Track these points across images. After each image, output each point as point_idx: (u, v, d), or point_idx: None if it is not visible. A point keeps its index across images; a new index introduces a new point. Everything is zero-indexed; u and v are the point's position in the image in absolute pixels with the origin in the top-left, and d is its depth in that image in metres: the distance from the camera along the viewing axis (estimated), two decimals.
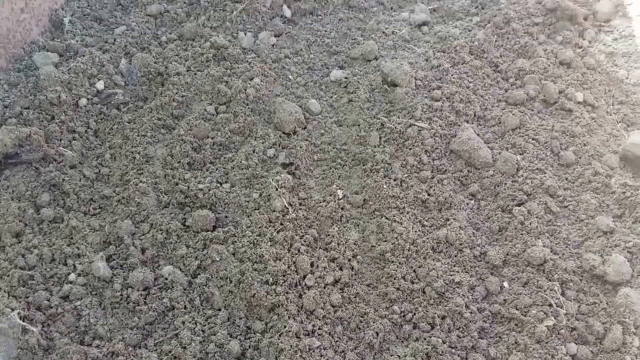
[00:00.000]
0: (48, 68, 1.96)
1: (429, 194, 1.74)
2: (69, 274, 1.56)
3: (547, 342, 1.43)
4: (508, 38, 2.17)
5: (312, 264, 1.58)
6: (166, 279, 1.55)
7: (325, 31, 2.29)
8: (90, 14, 2.31)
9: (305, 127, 1.93)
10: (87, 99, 1.95)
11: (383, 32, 2.29)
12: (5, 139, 1.71)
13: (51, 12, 2.22)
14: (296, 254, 1.58)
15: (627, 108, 1.95)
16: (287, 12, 2.34)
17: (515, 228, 1.65)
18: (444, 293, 1.53)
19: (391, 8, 2.45)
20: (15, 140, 1.73)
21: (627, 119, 1.92)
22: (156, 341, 1.45)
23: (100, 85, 2.00)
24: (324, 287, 1.54)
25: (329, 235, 1.65)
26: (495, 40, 2.16)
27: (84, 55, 2.07)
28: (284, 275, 1.53)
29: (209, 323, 1.48)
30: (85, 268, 1.55)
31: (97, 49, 2.13)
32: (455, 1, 2.45)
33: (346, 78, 2.07)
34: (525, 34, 2.17)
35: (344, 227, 1.68)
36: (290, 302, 1.49)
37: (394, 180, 1.77)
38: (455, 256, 1.61)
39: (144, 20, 2.28)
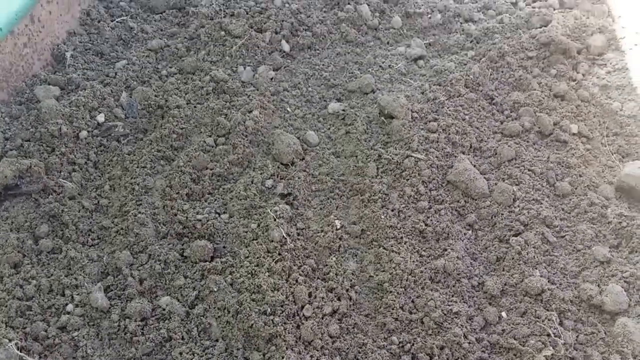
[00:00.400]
0: (49, 101, 1.97)
1: (426, 224, 1.74)
2: (66, 304, 1.55)
3: None
4: (503, 71, 2.20)
5: (310, 294, 1.57)
6: (164, 309, 1.54)
7: (323, 65, 2.31)
8: (92, 49, 2.34)
9: (303, 158, 1.95)
10: (88, 131, 1.96)
11: (380, 66, 2.31)
12: (5, 171, 1.72)
13: (53, 46, 2.25)
14: (294, 284, 1.58)
15: (621, 139, 1.97)
16: (286, 47, 2.36)
17: (513, 258, 1.65)
18: (442, 323, 1.52)
19: (387, 43, 2.47)
20: (16, 172, 1.74)
21: (621, 150, 1.94)
22: None
23: (101, 117, 2.02)
24: (322, 318, 1.53)
25: (327, 265, 1.65)
26: (490, 74, 2.19)
27: (85, 89, 2.09)
28: (281, 306, 1.53)
29: (206, 354, 1.47)
30: (83, 299, 1.55)
31: (98, 82, 2.16)
32: (451, 36, 2.48)
33: (344, 110, 2.09)
34: (520, 67, 2.19)
35: (342, 257, 1.69)
36: (288, 332, 1.48)
37: (392, 210, 1.77)
38: (453, 286, 1.61)
39: (145, 54, 2.31)
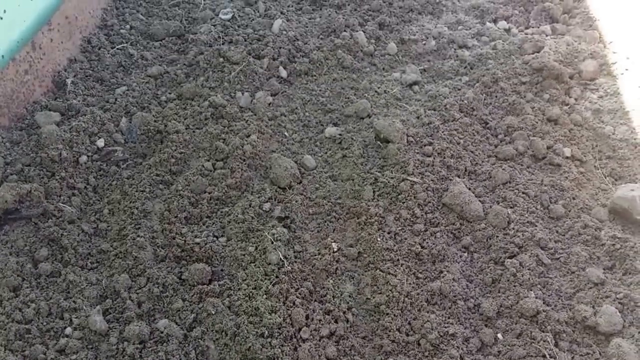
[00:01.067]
0: (50, 127, 1.99)
1: (422, 247, 1.75)
2: (65, 327, 1.55)
3: None
4: (496, 96, 2.22)
5: (307, 317, 1.58)
6: (162, 332, 1.54)
7: (320, 90, 2.33)
8: (92, 75, 2.36)
9: (300, 182, 1.96)
10: (88, 156, 1.98)
11: (375, 91, 2.33)
12: (6, 195, 1.74)
13: (54, 73, 2.27)
14: (291, 307, 1.58)
15: (614, 162, 1.98)
16: (283, 73, 2.38)
17: (508, 280, 1.65)
18: (438, 345, 1.53)
19: (383, 68, 2.49)
20: (16, 197, 1.75)
21: (614, 173, 1.95)
22: None
23: (100, 142, 2.03)
24: (320, 340, 1.53)
25: (324, 287, 1.66)
26: (484, 99, 2.21)
27: (85, 115, 2.11)
28: (279, 328, 1.53)
29: None
30: (82, 322, 1.55)
31: (99, 108, 2.18)
32: (445, 62, 2.50)
33: (340, 135, 2.11)
34: (513, 92, 2.22)
35: (339, 279, 1.69)
36: (286, 355, 1.48)
37: (388, 233, 1.78)
38: (450, 308, 1.61)
39: (145, 80, 2.33)
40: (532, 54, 2.36)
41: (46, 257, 1.70)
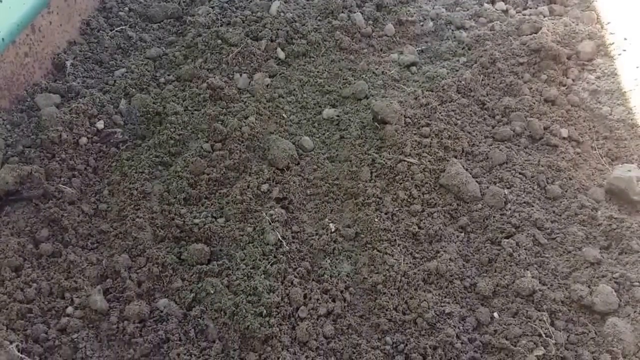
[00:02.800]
0: (50, 109, 2.00)
1: (419, 227, 1.76)
2: (66, 307, 1.56)
3: None
4: (494, 77, 2.22)
5: (305, 296, 1.59)
6: (162, 311, 1.56)
7: (318, 72, 2.33)
8: (92, 57, 2.36)
9: (298, 163, 1.96)
10: (88, 137, 1.99)
11: (373, 73, 2.33)
12: (7, 177, 1.75)
13: (54, 55, 2.28)
14: (289, 286, 1.60)
15: (611, 143, 1.99)
16: (281, 54, 2.38)
17: (504, 260, 1.67)
18: (435, 324, 1.54)
19: (381, 50, 2.48)
20: (17, 178, 1.76)
21: (611, 153, 1.96)
22: None
23: (100, 124, 2.04)
24: (317, 319, 1.55)
25: (321, 267, 1.67)
26: (482, 80, 2.21)
27: (84, 97, 2.11)
28: (277, 307, 1.54)
29: (203, 355, 1.48)
30: (83, 301, 1.56)
31: (98, 90, 2.18)
32: (443, 43, 2.49)
33: (338, 116, 2.11)
34: (511, 73, 2.22)
35: (337, 259, 1.70)
36: (284, 333, 1.50)
37: (385, 213, 1.79)
38: (446, 287, 1.63)
39: (144, 62, 2.34)
40: (530, 34, 2.36)
41: (47, 237, 1.71)
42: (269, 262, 1.64)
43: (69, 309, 1.56)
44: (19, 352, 1.42)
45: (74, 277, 1.64)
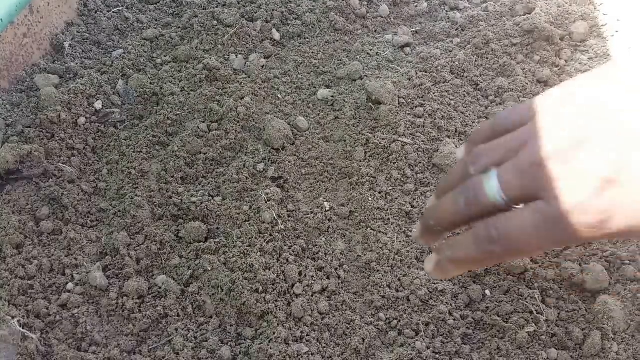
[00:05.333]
0: (49, 89, 2.00)
1: (412, 206, 1.77)
2: (67, 283, 1.58)
3: (528, 348, 1.44)
4: (487, 58, 2.22)
5: (300, 273, 1.60)
6: (160, 287, 1.57)
7: (313, 53, 2.32)
8: (90, 38, 2.37)
9: (293, 143, 1.97)
10: (86, 118, 2.00)
11: (367, 54, 2.33)
12: (7, 156, 1.76)
13: (52, 36, 2.28)
14: (285, 264, 1.61)
15: None
16: (276, 35, 2.38)
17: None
18: (428, 301, 1.55)
19: (375, 31, 2.48)
20: (17, 157, 1.77)
21: None
22: (150, 347, 1.47)
23: (98, 105, 2.05)
24: (312, 295, 1.56)
25: (316, 245, 1.68)
26: (475, 60, 2.22)
27: (83, 77, 2.12)
28: (273, 284, 1.56)
29: (201, 330, 1.50)
30: (83, 278, 1.58)
31: (96, 71, 2.19)
32: (437, 24, 2.49)
33: (332, 97, 2.11)
34: (504, 54, 2.22)
35: (331, 237, 1.71)
36: (280, 309, 1.51)
37: (379, 193, 1.80)
38: None
39: (141, 44, 2.34)
40: (524, 15, 2.36)
41: (47, 215, 1.72)
42: (265, 240, 1.65)
43: (70, 285, 1.58)
44: (20, 327, 1.43)
45: (74, 254, 1.65)
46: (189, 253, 1.66)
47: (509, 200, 0.90)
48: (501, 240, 0.89)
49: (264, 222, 1.69)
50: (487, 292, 1.60)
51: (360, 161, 1.89)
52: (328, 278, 1.61)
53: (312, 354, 1.45)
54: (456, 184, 1.00)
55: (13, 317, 1.45)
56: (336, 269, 1.63)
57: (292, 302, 1.54)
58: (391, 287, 1.59)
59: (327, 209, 1.78)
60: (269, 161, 1.90)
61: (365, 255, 1.66)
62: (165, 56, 2.30)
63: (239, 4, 2.49)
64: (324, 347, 1.48)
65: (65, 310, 1.53)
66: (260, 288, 1.53)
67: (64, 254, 1.65)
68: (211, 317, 1.53)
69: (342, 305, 1.56)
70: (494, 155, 0.93)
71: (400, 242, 1.68)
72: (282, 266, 1.61)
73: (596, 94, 0.85)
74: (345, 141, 1.95)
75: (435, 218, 1.08)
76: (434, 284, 1.58)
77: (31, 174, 1.79)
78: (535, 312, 1.50)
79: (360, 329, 1.50)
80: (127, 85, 2.13)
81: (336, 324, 1.51)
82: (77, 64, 2.22)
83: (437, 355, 1.45)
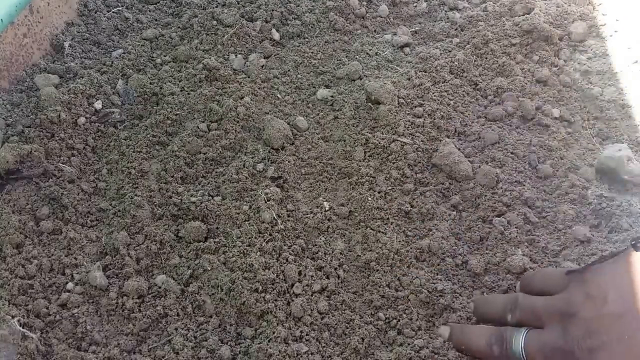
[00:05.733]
0: (49, 89, 2.01)
1: (412, 206, 1.77)
2: (67, 283, 1.58)
3: None
4: (487, 58, 2.22)
5: (299, 273, 1.60)
6: (160, 287, 1.58)
7: (312, 53, 2.32)
8: (89, 38, 2.37)
9: (293, 143, 1.97)
10: (86, 117, 2.00)
11: (367, 53, 2.33)
12: (7, 156, 1.76)
13: (52, 36, 2.28)
14: (284, 263, 1.61)
15: (601, 123, 1.99)
16: (276, 35, 2.38)
17: (496, 238, 1.67)
18: (427, 301, 1.54)
19: (374, 31, 2.48)
20: (17, 157, 1.78)
21: (602, 133, 1.95)
22: (150, 347, 1.47)
23: (98, 105, 2.05)
24: (311, 295, 1.56)
25: (316, 245, 1.68)
26: (475, 60, 2.22)
27: (82, 77, 2.12)
28: (272, 284, 1.56)
29: (200, 329, 1.50)
30: (83, 277, 1.58)
31: (96, 71, 2.19)
32: (436, 24, 2.49)
33: (332, 96, 2.10)
34: (503, 54, 2.22)
35: (331, 237, 1.71)
36: (279, 309, 1.51)
37: (379, 192, 1.80)
38: (438, 265, 1.63)
39: (140, 43, 2.34)
40: (523, 15, 2.35)
41: (47, 215, 1.73)
42: (265, 240, 1.65)
43: (69, 285, 1.58)
44: (20, 326, 1.43)
45: (74, 254, 1.65)
46: (189, 253, 1.66)
47: None
48: None
49: (263, 222, 1.69)
50: (486, 292, 1.58)
51: (360, 161, 1.89)
52: (327, 278, 1.61)
53: (312, 354, 1.45)
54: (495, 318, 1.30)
55: (13, 317, 1.45)
56: (335, 269, 1.63)
57: (292, 301, 1.54)
58: (390, 287, 1.59)
59: (327, 208, 1.78)
60: (268, 161, 1.90)
61: (364, 254, 1.66)
62: (165, 56, 2.30)
63: (238, 4, 2.49)
64: (324, 346, 1.48)
65: (65, 309, 1.53)
66: (260, 288, 1.53)
67: (64, 253, 1.65)
68: (211, 317, 1.52)
69: (341, 304, 1.56)
70: (527, 317, 1.16)
71: (399, 241, 1.68)
72: (281, 266, 1.61)
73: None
74: (344, 141, 1.95)
75: (468, 350, 1.35)
76: (433, 283, 1.58)
77: (31, 173, 1.79)
78: None
79: (359, 328, 1.50)
80: (127, 85, 2.14)
81: (335, 324, 1.51)
82: (77, 64, 2.22)
83: (436, 355, 1.44)
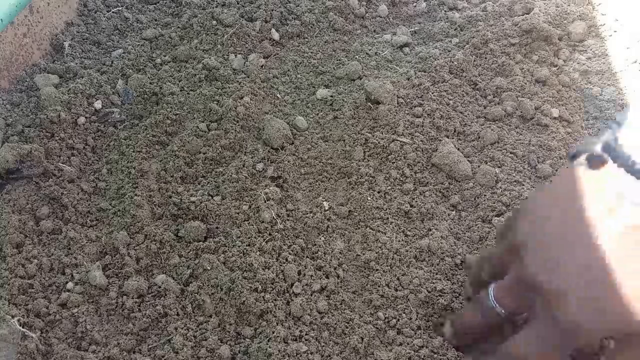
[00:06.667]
0: (49, 89, 2.01)
1: (411, 205, 1.78)
2: (66, 282, 1.58)
3: None
4: (486, 58, 2.23)
5: (299, 273, 1.61)
6: (159, 287, 1.58)
7: (312, 53, 2.33)
8: (89, 38, 2.37)
9: (292, 143, 1.97)
10: (86, 117, 2.00)
11: (366, 53, 2.34)
12: (7, 156, 1.76)
13: (52, 36, 2.28)
14: (284, 263, 1.61)
15: (601, 123, 2.00)
16: (276, 35, 2.38)
17: (495, 237, 1.66)
18: (426, 301, 1.54)
19: (374, 31, 2.48)
20: (17, 157, 1.78)
21: (601, 133, 1.95)
22: (150, 346, 1.47)
23: (98, 104, 2.05)
24: (311, 295, 1.57)
25: (315, 245, 1.68)
26: (474, 60, 2.22)
27: (82, 77, 2.13)
28: (272, 283, 1.56)
29: (200, 329, 1.50)
30: (83, 277, 1.58)
31: (95, 70, 2.20)
32: (435, 24, 2.49)
33: (331, 96, 2.11)
34: (503, 53, 2.22)
35: (330, 237, 1.71)
36: (279, 308, 1.52)
37: (378, 192, 1.80)
38: (437, 264, 1.64)
39: (140, 43, 2.35)
40: (522, 15, 2.36)
41: (47, 214, 1.73)
42: (264, 240, 1.65)
43: (69, 285, 1.58)
44: (20, 326, 1.43)
45: (74, 254, 1.66)
46: (189, 252, 1.66)
47: (507, 314, 1.15)
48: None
49: (263, 222, 1.69)
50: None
51: (359, 161, 1.89)
52: (327, 277, 1.61)
53: (311, 353, 1.45)
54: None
55: (13, 316, 1.45)
56: (335, 268, 1.63)
57: (291, 301, 1.54)
58: (390, 286, 1.59)
59: (326, 208, 1.78)
60: (268, 161, 1.90)
61: (364, 254, 1.66)
62: (164, 56, 2.30)
63: (238, 4, 2.49)
64: (323, 346, 1.48)
65: (65, 309, 1.53)
66: (260, 287, 1.54)
67: (64, 253, 1.65)
68: (210, 316, 1.52)
69: (341, 304, 1.56)
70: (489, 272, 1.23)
71: (399, 241, 1.68)
72: (281, 265, 1.61)
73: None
74: (344, 141, 1.95)
75: (463, 329, 1.39)
76: (433, 283, 1.59)
77: (31, 173, 1.79)
78: None
79: (359, 327, 1.50)
80: (126, 85, 2.14)
81: (335, 323, 1.51)
82: (76, 63, 2.23)
83: (436, 355, 1.44)
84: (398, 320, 1.52)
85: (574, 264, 0.96)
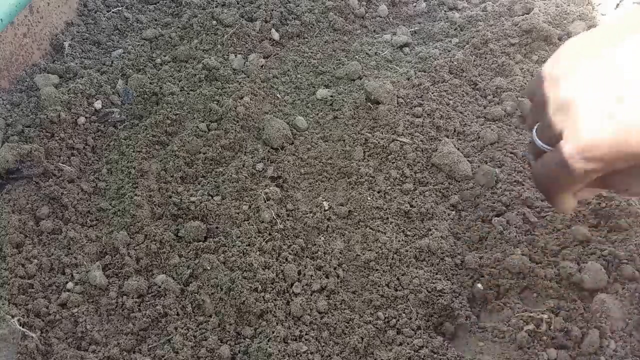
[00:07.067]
0: (49, 89, 2.01)
1: (411, 205, 1.77)
2: (66, 282, 1.58)
3: (528, 348, 1.43)
4: (486, 58, 2.22)
5: (299, 272, 1.60)
6: (159, 287, 1.58)
7: (312, 53, 2.32)
8: (89, 38, 2.37)
9: (292, 143, 1.97)
10: (86, 117, 2.00)
11: (366, 53, 2.34)
12: (7, 156, 1.76)
13: (52, 36, 2.29)
14: (284, 263, 1.61)
15: None
16: (275, 35, 2.38)
17: (495, 237, 1.67)
18: (426, 301, 1.54)
19: (374, 31, 2.48)
20: (17, 157, 1.78)
21: None
22: (150, 346, 1.47)
23: (98, 104, 2.05)
24: (311, 295, 1.57)
25: (315, 244, 1.68)
26: (474, 60, 2.22)
27: (82, 77, 2.13)
28: (272, 283, 1.56)
29: (200, 329, 1.50)
30: (83, 277, 1.58)
31: (95, 70, 2.20)
32: (435, 24, 2.49)
33: (331, 96, 2.10)
34: (503, 53, 2.22)
35: (330, 237, 1.71)
36: (279, 308, 1.52)
37: (378, 192, 1.80)
38: (437, 264, 1.63)
39: (140, 43, 2.35)
40: (522, 15, 2.36)
41: (47, 214, 1.73)
42: (264, 239, 1.65)
43: (69, 285, 1.58)
44: (20, 325, 1.43)
45: (74, 254, 1.66)
46: (189, 252, 1.66)
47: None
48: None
49: (263, 222, 1.69)
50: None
51: (359, 161, 1.89)
52: (327, 277, 1.61)
53: (311, 353, 1.45)
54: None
55: (13, 316, 1.45)
56: (335, 268, 1.63)
57: (291, 301, 1.54)
58: (390, 286, 1.59)
59: (326, 208, 1.78)
60: (268, 161, 1.90)
61: (364, 254, 1.66)
62: (164, 56, 2.31)
63: (238, 4, 2.49)
64: (323, 345, 1.48)
65: (65, 309, 1.53)
66: (260, 287, 1.54)
67: (64, 253, 1.66)
68: (210, 316, 1.53)
69: (341, 304, 1.56)
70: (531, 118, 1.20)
71: (399, 241, 1.68)
72: (281, 265, 1.61)
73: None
74: (344, 141, 1.95)
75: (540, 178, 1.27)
76: (433, 283, 1.58)
77: (31, 173, 1.79)
78: (534, 312, 1.49)
79: (359, 327, 1.50)
80: (126, 85, 2.14)
81: (335, 323, 1.51)
82: (76, 63, 2.23)
83: (436, 355, 1.44)
84: (398, 320, 1.52)
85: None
